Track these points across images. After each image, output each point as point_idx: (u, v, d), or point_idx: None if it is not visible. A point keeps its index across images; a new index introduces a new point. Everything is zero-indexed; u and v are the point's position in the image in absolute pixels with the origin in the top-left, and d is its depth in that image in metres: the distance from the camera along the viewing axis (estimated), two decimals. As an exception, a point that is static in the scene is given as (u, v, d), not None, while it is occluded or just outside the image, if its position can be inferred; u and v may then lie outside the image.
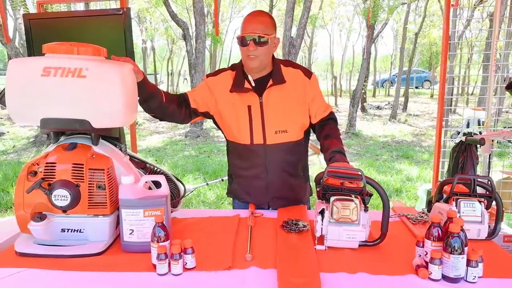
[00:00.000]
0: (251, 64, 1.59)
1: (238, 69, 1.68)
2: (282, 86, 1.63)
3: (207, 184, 3.37)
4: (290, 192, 1.73)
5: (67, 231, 1.29)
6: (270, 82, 1.63)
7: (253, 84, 1.64)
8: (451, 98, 3.27)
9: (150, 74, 19.87)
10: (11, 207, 4.32)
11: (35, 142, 7.77)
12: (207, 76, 1.73)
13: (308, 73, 1.70)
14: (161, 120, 1.69)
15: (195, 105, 1.68)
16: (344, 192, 1.29)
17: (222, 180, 3.22)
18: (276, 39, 1.63)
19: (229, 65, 1.78)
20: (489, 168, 2.79)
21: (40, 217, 1.24)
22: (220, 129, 1.77)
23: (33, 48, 2.18)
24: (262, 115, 1.63)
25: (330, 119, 1.71)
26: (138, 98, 1.46)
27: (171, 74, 17.44)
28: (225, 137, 1.77)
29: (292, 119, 1.66)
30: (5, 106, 1.30)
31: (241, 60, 1.70)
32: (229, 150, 1.79)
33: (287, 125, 1.65)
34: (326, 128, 1.66)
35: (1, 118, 11.43)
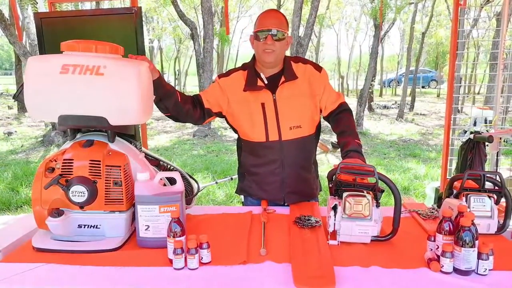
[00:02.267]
0: (267, 59, 1.62)
1: (250, 68, 1.70)
2: (294, 82, 1.66)
3: (216, 182, 3.39)
4: (304, 186, 1.76)
5: (84, 227, 1.31)
6: (282, 79, 1.65)
7: (266, 82, 1.67)
8: (458, 97, 3.27)
9: (157, 74, 19.91)
10: (21, 206, 4.37)
11: (43, 141, 7.85)
12: (219, 76, 1.75)
13: (318, 67, 1.73)
14: (176, 120, 1.70)
15: (209, 105, 1.70)
16: (357, 188, 1.31)
17: (231, 178, 3.24)
18: (289, 37, 1.67)
19: (239, 65, 1.80)
20: (496, 166, 2.79)
21: (57, 213, 1.26)
22: (233, 128, 1.78)
23: (44, 47, 2.20)
24: (276, 112, 1.65)
25: (343, 111, 1.71)
26: (154, 96, 1.48)
27: (178, 74, 17.52)
28: (239, 136, 1.79)
29: (305, 114, 1.69)
30: (23, 102, 1.33)
31: (252, 60, 1.73)
32: (242, 148, 1.79)
33: (300, 120, 1.68)
34: (340, 123, 1.67)
35: (9, 118, 11.55)
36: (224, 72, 1.80)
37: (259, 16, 1.67)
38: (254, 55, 1.74)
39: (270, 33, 1.58)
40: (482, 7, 8.37)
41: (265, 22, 1.61)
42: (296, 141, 1.68)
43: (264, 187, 1.74)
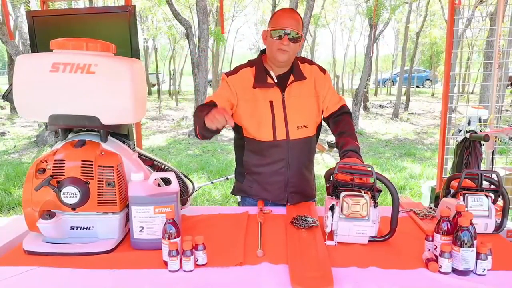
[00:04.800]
0: (281, 58, 1.60)
1: (259, 65, 1.68)
2: (302, 82, 1.66)
3: (212, 182, 3.37)
4: (306, 186, 1.75)
5: (76, 229, 1.28)
6: (292, 78, 1.65)
7: (276, 80, 1.65)
8: (453, 96, 3.28)
9: (152, 74, 19.84)
10: (13, 207, 4.32)
11: (36, 142, 7.78)
12: (227, 75, 1.71)
13: (322, 69, 1.75)
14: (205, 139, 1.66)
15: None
16: (354, 188, 1.30)
17: (227, 178, 3.22)
18: (302, 39, 1.65)
19: (234, 65, 1.78)
20: (492, 165, 2.80)
21: (49, 215, 1.23)
22: (238, 126, 1.73)
23: (37, 46, 2.16)
24: (285, 110, 1.64)
25: (344, 113, 1.71)
26: (211, 130, 1.43)
27: (173, 73, 17.45)
28: (241, 135, 1.73)
29: (311, 115, 1.69)
30: (12, 102, 1.30)
31: (259, 56, 1.71)
32: (244, 147, 1.74)
33: (307, 120, 1.68)
34: (340, 124, 1.67)
35: (1, 118, 11.44)
36: (231, 70, 1.76)
37: (277, 13, 1.64)
38: (261, 51, 1.73)
39: (287, 33, 1.56)
40: (476, 7, 8.43)
41: (284, 21, 1.58)
42: (302, 140, 1.68)
43: (267, 187, 1.72)
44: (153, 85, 19.44)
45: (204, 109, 1.51)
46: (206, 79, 9.20)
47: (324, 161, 6.22)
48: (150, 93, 19.02)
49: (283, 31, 1.56)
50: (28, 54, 1.29)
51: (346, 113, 1.71)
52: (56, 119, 1.25)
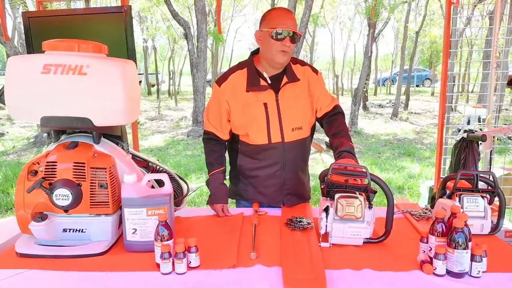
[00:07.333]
0: (282, 60, 1.57)
1: (250, 67, 1.65)
2: (295, 84, 1.64)
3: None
4: (302, 188, 1.75)
5: (69, 231, 1.28)
6: (285, 79, 1.63)
7: (269, 82, 1.63)
8: (452, 96, 3.27)
9: (151, 74, 19.83)
10: (11, 208, 4.32)
11: (35, 142, 7.77)
12: (218, 83, 1.67)
13: (314, 69, 1.73)
14: None
15: (228, 128, 1.70)
16: (349, 189, 1.29)
17: (225, 179, 3.20)
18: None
19: (233, 65, 1.75)
20: (490, 165, 2.79)
21: (41, 217, 1.23)
22: (233, 133, 1.73)
23: (33, 47, 2.15)
24: (279, 113, 1.62)
25: (337, 113, 1.69)
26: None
27: (172, 74, 17.47)
28: (237, 138, 1.71)
29: (305, 116, 1.68)
30: (4, 104, 1.29)
31: (250, 58, 1.68)
32: (239, 151, 1.72)
33: (301, 121, 1.66)
34: (334, 125, 1.66)
35: (1, 119, 11.43)
36: (221, 75, 1.72)
37: (274, 13, 1.60)
38: (252, 52, 1.70)
39: (289, 34, 1.53)
40: (475, 6, 8.42)
41: (285, 21, 1.54)
42: (297, 142, 1.66)
43: (262, 190, 1.71)
44: (153, 85, 19.42)
45: (210, 153, 1.72)
46: (205, 79, 9.19)
47: (323, 161, 6.21)
48: (149, 93, 19.01)
49: (287, 33, 1.53)
50: (20, 56, 1.28)
51: (340, 113, 1.70)
52: (48, 121, 1.24)
